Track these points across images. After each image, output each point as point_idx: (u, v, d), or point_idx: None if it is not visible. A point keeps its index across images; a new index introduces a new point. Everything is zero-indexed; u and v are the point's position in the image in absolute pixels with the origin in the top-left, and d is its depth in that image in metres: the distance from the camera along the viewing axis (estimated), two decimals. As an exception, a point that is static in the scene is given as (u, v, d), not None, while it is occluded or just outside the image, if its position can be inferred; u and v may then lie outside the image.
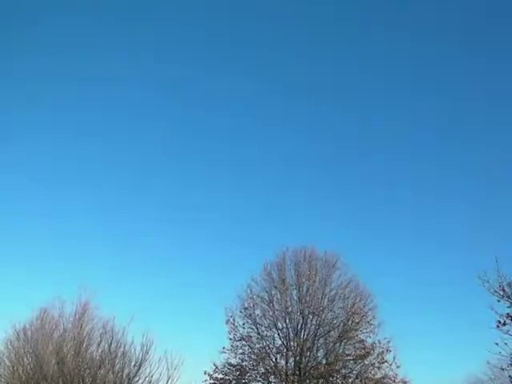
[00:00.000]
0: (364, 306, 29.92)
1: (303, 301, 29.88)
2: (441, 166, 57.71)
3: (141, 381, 27.90)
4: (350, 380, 28.68)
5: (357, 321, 29.51)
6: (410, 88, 59.10)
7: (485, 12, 52.32)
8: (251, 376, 29.18)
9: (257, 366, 29.17)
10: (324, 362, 29.13)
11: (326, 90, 59.25)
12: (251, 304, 30.45)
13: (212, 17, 57.22)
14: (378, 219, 55.02)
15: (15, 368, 29.72)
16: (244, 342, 29.70)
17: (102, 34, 56.82)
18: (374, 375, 28.34)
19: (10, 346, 31.00)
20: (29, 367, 28.96)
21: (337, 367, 28.73)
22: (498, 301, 16.61)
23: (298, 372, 28.47)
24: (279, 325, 29.96)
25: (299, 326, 29.62)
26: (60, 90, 55.36)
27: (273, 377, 28.88)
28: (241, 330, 30.07)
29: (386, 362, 28.45)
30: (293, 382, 27.93)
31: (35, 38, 51.62)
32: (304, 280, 30.24)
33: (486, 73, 55.58)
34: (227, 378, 28.92)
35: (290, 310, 29.83)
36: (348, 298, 30.22)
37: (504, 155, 51.29)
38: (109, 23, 56.60)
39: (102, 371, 27.64)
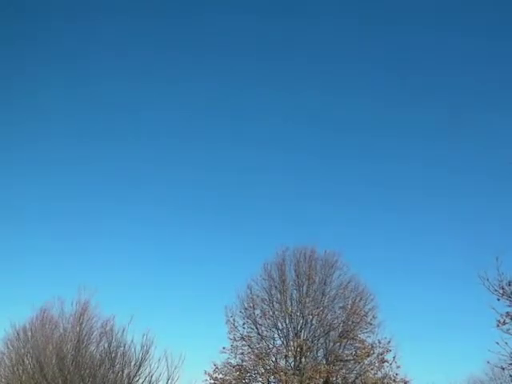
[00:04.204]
0: (364, 306, 29.94)
1: (303, 301, 29.87)
2: (441, 164, 57.74)
3: (141, 380, 27.87)
4: (350, 380, 28.68)
5: (357, 321, 29.52)
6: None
7: None
8: (251, 376, 29.18)
9: (257, 366, 29.13)
10: (324, 362, 29.12)
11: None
12: (251, 304, 30.47)
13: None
14: (378, 218, 55.00)
15: (15, 368, 29.69)
16: (244, 342, 29.69)
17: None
18: (374, 375, 28.34)
19: (9, 346, 30.99)
20: (29, 367, 28.91)
21: (337, 367, 28.71)
22: (498, 299, 16.57)
23: (297, 372, 28.44)
24: (279, 325, 29.97)
25: (299, 326, 29.61)
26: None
27: (273, 377, 28.83)
28: (241, 330, 30.13)
29: (386, 361, 28.49)
30: (293, 382, 27.88)
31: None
32: (304, 280, 30.24)
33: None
34: (227, 378, 28.88)
35: (290, 310, 29.80)
36: (348, 297, 30.24)
37: (506, 152, 51.17)
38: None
39: (101, 371, 27.58)
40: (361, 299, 30.04)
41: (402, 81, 60.60)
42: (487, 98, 57.24)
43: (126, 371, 27.80)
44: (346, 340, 29.21)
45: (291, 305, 30.03)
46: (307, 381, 27.93)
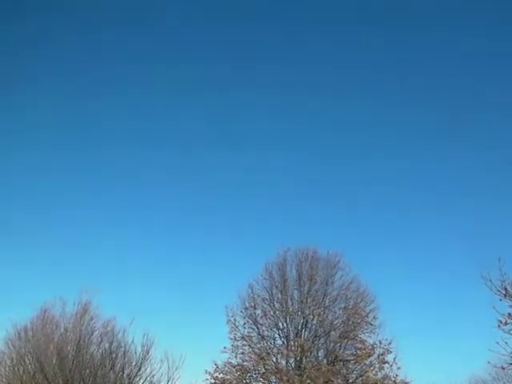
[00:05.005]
0: (365, 307, 29.94)
1: (304, 301, 29.87)
2: (442, 163, 57.72)
3: (142, 381, 27.96)
4: (350, 380, 28.67)
5: (358, 321, 29.51)
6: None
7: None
8: (252, 376, 29.16)
9: (257, 365, 29.10)
10: (325, 362, 29.10)
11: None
12: (252, 304, 30.47)
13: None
14: (379, 219, 54.97)
15: (16, 368, 29.67)
16: (245, 342, 29.67)
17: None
18: (374, 376, 28.32)
19: (10, 346, 30.94)
20: (30, 367, 28.92)
21: (337, 368, 28.69)
22: (500, 300, 16.59)
23: (298, 372, 28.43)
24: (280, 325, 29.97)
25: (300, 326, 29.61)
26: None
27: (273, 377, 28.81)
28: (241, 329, 30.11)
29: (387, 362, 28.46)
30: (293, 382, 27.87)
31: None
32: (305, 280, 30.24)
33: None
34: (228, 377, 28.88)
35: (290, 310, 29.80)
36: (349, 298, 30.22)
37: (507, 152, 51.20)
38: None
39: (102, 371, 27.63)
40: (362, 300, 30.04)
41: (402, 81, 60.65)
42: (487, 98, 57.30)
43: (126, 371, 27.87)
44: (346, 340, 29.19)
45: (292, 305, 30.04)
46: (308, 381, 27.90)
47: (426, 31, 56.47)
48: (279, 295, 30.19)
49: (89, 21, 56.11)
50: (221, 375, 28.82)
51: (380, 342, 28.83)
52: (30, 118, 55.70)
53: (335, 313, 30.17)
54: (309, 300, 29.84)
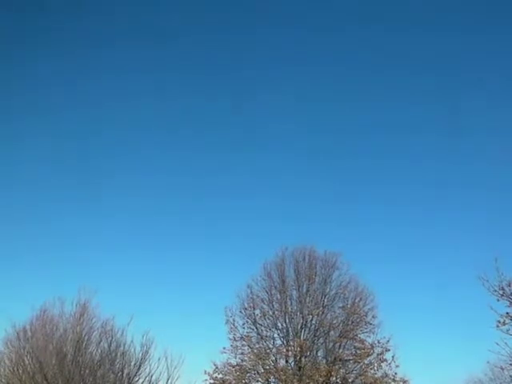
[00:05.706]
0: (364, 306, 30.03)
1: (303, 301, 29.92)
2: (442, 163, 57.82)
3: (141, 380, 27.85)
4: (349, 380, 28.71)
5: (357, 321, 29.58)
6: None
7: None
8: (251, 376, 29.19)
9: (256, 365, 29.16)
10: (324, 361, 29.14)
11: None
12: (251, 304, 30.53)
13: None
14: (378, 218, 55.02)
15: (15, 368, 29.59)
16: (244, 342, 29.74)
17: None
18: (373, 375, 28.36)
19: (10, 346, 30.88)
20: (29, 367, 28.82)
21: (336, 367, 28.72)
22: (498, 300, 16.64)
23: (297, 372, 28.46)
24: (279, 325, 30.03)
25: (299, 326, 29.65)
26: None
27: (273, 377, 28.86)
28: (241, 330, 30.21)
29: (386, 361, 28.51)
30: (292, 381, 27.90)
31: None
32: (304, 280, 30.29)
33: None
34: (227, 377, 28.90)
35: (289, 309, 29.85)
36: (348, 297, 30.35)
37: (506, 151, 51.33)
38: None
39: (101, 371, 27.59)
40: (360, 299, 30.10)
41: (401, 81, 60.71)
42: (487, 97, 57.37)
43: (125, 371, 27.78)
44: (345, 340, 29.25)
45: (291, 304, 30.09)
46: (307, 380, 27.95)
47: (426, 31, 56.55)
48: (278, 295, 30.24)
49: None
50: (220, 375, 28.88)
51: (379, 341, 28.97)
52: (31, 123, 56.03)
53: (334, 312, 30.25)
54: (307, 300, 29.88)
